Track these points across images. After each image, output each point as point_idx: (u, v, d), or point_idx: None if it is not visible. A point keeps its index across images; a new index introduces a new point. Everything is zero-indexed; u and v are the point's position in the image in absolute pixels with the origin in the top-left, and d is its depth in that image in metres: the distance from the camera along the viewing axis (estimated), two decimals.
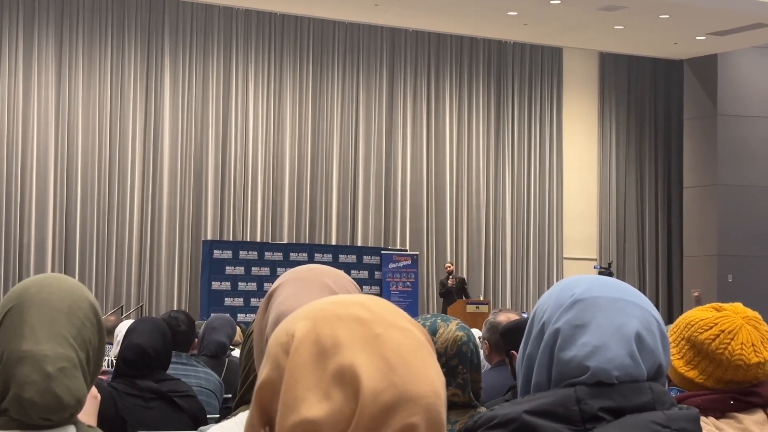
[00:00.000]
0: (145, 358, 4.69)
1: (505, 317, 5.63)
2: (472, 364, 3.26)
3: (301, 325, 1.32)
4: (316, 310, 1.34)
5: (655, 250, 26.44)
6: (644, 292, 25.85)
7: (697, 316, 2.61)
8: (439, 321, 3.25)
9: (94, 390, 2.16)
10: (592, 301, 1.83)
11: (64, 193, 20.93)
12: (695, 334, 2.58)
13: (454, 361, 3.22)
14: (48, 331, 2.03)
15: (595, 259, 25.47)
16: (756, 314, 2.62)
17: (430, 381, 1.30)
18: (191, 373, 5.91)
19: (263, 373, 1.33)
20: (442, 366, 3.18)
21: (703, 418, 2.45)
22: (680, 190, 26.28)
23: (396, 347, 1.29)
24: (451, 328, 3.25)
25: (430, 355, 1.34)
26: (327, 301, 1.36)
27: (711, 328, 2.56)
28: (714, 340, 2.55)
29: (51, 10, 21.02)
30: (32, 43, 20.88)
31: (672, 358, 2.60)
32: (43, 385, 1.98)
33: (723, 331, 2.55)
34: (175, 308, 21.21)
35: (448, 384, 3.18)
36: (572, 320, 1.82)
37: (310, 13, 22.72)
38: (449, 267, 21.99)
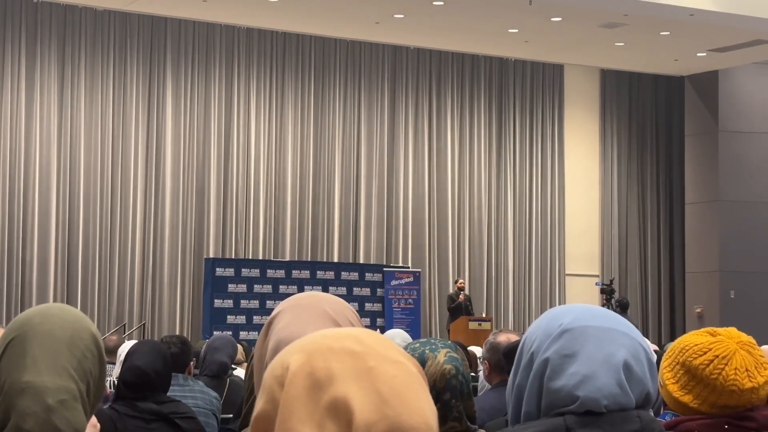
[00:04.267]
0: (145, 380, 4.70)
1: (505, 338, 5.63)
2: (463, 395, 3.21)
3: (295, 358, 1.34)
4: (310, 343, 1.36)
5: (657, 267, 26.41)
6: (646, 309, 25.89)
7: (691, 341, 2.63)
8: (427, 351, 3.15)
9: (93, 419, 2.18)
10: (581, 330, 1.85)
11: (67, 211, 20.95)
12: (690, 359, 2.59)
13: (446, 395, 3.16)
14: (49, 362, 2.05)
15: (597, 276, 25.43)
16: (750, 339, 2.63)
17: (423, 413, 1.32)
18: (187, 394, 5.91)
19: (259, 404, 1.35)
20: (434, 401, 3.15)
21: None
22: (682, 206, 26.27)
23: (388, 380, 1.32)
24: (439, 360, 3.16)
25: (423, 387, 1.36)
26: (321, 335, 1.38)
27: (705, 353, 2.58)
28: (708, 365, 2.56)
29: (53, 28, 21.08)
30: (35, 61, 20.93)
31: (667, 382, 2.62)
32: (43, 417, 2.00)
33: (717, 356, 2.56)
34: (178, 326, 21.24)
35: (445, 419, 3.13)
36: (561, 350, 1.84)
37: (311, 31, 22.77)
38: (461, 284, 21.97)
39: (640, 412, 1.81)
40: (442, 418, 3.10)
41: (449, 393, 3.15)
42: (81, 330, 2.12)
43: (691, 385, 2.58)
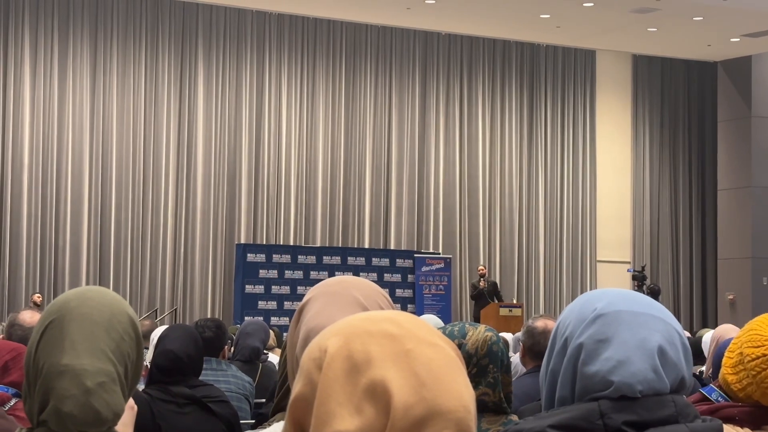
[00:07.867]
0: (178, 364, 4.70)
1: (543, 323, 5.64)
2: (502, 364, 3.29)
3: (333, 341, 1.35)
4: (348, 326, 1.37)
5: (689, 253, 26.30)
6: (678, 295, 25.78)
7: (759, 327, 2.59)
8: (467, 325, 3.32)
9: (131, 401, 2.19)
10: (615, 315, 1.85)
11: (99, 197, 21.06)
12: (746, 344, 2.56)
13: (485, 360, 3.26)
14: (88, 345, 2.06)
15: (629, 262, 25.36)
16: None
17: (460, 395, 1.33)
18: (220, 378, 5.91)
19: (297, 387, 1.36)
20: (473, 366, 3.22)
21: (738, 429, 2.46)
22: (714, 192, 26.13)
23: (426, 362, 1.32)
24: (480, 330, 3.31)
25: (460, 370, 1.37)
26: (359, 318, 1.39)
27: (759, 347, 2.54)
28: (757, 359, 2.53)
29: (85, 15, 21.17)
30: (67, 48, 21.04)
31: (727, 354, 2.61)
32: (82, 400, 2.02)
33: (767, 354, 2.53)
34: (209, 311, 21.32)
35: (478, 383, 3.21)
36: (595, 335, 1.84)
37: (342, 17, 22.77)
38: (482, 270, 21.97)
39: (674, 397, 1.81)
40: (476, 382, 3.17)
41: (488, 358, 3.25)
42: (119, 313, 2.13)
43: (739, 368, 2.56)
